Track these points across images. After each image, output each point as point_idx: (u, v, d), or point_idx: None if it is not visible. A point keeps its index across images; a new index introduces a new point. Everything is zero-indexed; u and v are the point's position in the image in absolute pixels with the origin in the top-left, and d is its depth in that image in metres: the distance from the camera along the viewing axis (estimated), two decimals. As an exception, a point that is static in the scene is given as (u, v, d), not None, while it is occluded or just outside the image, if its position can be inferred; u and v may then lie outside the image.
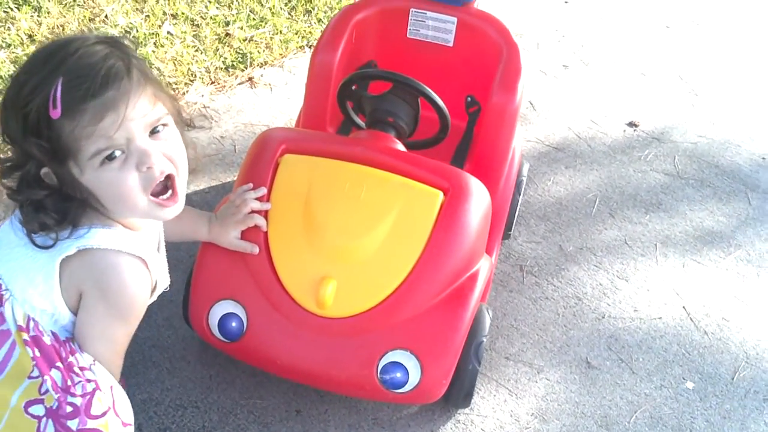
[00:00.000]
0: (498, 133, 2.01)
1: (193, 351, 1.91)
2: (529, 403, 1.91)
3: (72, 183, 1.25)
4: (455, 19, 2.15)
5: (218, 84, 2.88)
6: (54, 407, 1.27)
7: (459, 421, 1.85)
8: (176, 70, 2.84)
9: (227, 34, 3.09)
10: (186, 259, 2.03)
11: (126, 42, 1.30)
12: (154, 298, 1.44)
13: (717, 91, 3.25)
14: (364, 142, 1.84)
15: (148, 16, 3.06)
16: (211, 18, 3.13)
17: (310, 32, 3.22)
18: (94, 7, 3.04)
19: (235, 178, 2.44)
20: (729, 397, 1.99)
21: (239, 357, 1.74)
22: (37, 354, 1.29)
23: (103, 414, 1.30)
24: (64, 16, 2.96)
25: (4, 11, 2.91)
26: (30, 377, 1.28)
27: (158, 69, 2.83)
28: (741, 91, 3.28)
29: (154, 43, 2.94)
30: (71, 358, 1.31)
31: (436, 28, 2.17)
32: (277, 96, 2.86)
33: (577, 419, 1.89)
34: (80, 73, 1.19)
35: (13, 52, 2.74)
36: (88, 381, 1.30)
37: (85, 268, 1.28)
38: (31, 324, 1.30)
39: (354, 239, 1.65)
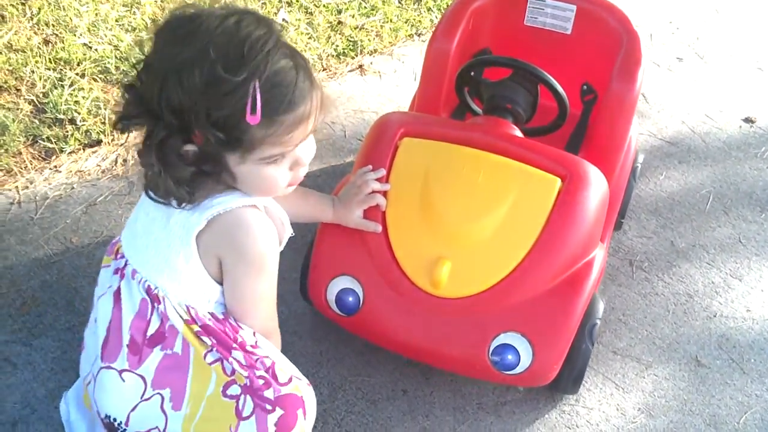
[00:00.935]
0: (616, 122, 2.00)
1: (305, 327, 1.98)
2: (635, 398, 1.90)
3: (217, 163, 1.27)
4: (575, 7, 2.15)
5: (329, 71, 2.94)
6: (247, 384, 1.34)
7: (564, 411, 1.85)
8: (290, 56, 2.92)
9: (339, 22, 3.15)
10: (298, 239, 2.09)
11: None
12: (283, 246, 1.46)
13: (841, 89, 3.11)
14: (483, 127, 1.86)
15: (264, 2, 3.15)
16: (324, 6, 3.20)
17: (420, 21, 3.24)
18: (213, -6, 3.15)
19: (346, 163, 2.52)
20: None
21: (354, 331, 1.79)
22: (214, 340, 1.35)
23: (290, 380, 1.37)
24: (187, 2, 3.07)
25: (131, -4, 3.05)
26: (212, 364, 1.35)
27: (273, 54, 2.91)
28: None
29: (270, 30, 3.02)
30: (239, 338, 1.38)
31: (554, 15, 2.16)
32: (386, 83, 2.90)
33: (685, 416, 1.87)
34: (277, 83, 1.20)
35: (138, 36, 2.87)
36: (265, 357, 1.38)
37: (216, 234, 1.31)
38: (193, 312, 1.36)
39: (470, 222, 1.68)
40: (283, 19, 3.09)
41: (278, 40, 1.22)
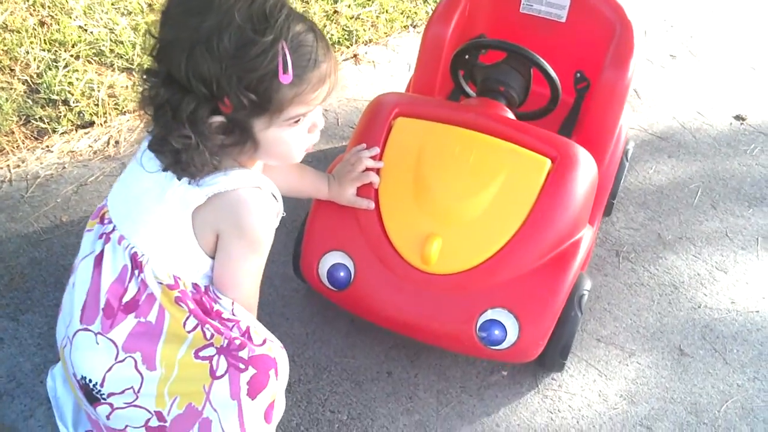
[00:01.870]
0: (607, 109, 2.02)
1: (293, 309, 1.99)
2: (618, 385, 1.91)
3: (244, 131, 1.29)
4: None
5: (324, 59, 2.95)
6: (225, 345, 1.35)
7: (546, 396, 1.87)
8: (285, 44, 2.93)
9: (335, 12, 3.16)
10: (288, 223, 2.11)
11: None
12: (277, 223, 1.48)
13: (832, 89, 3.13)
14: (476, 108, 1.89)
15: (260, -10, 3.16)
16: (320, -5, 3.21)
17: (415, 12, 3.26)
18: (210, -19, 3.15)
19: (338, 149, 2.53)
20: (827, 396, 1.95)
21: (345, 306, 1.82)
22: (192, 306, 1.37)
23: (264, 342, 1.40)
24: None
25: (127, -19, 3.06)
26: (192, 331, 1.37)
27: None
28: None
29: (265, 17, 3.03)
30: (216, 307, 1.40)
31: (549, 3, 2.19)
32: (381, 73, 2.91)
33: (666, 404, 1.88)
34: (302, 43, 1.24)
35: (133, 20, 2.88)
36: (240, 321, 1.40)
37: (217, 211, 1.33)
38: (177, 280, 1.37)
39: (461, 200, 1.71)
40: (279, 7, 3.10)
41: (289, 5, 1.26)
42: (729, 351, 2.03)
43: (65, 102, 2.51)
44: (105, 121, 2.48)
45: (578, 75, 2.11)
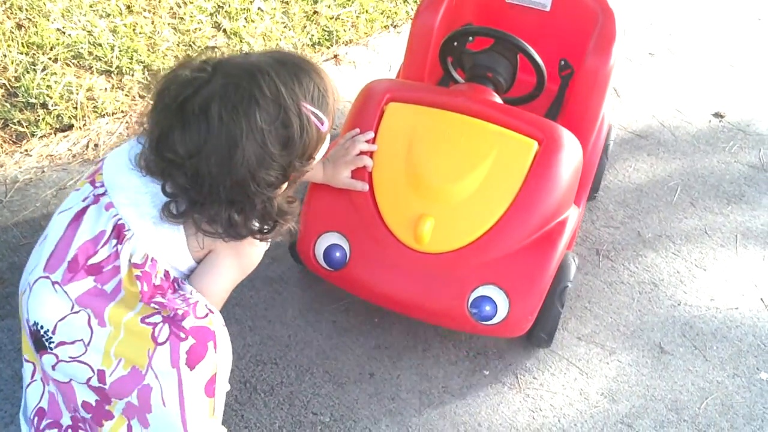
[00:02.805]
0: (591, 94, 2.07)
1: (274, 312, 1.99)
2: (599, 383, 1.93)
3: (293, 183, 1.42)
4: None
5: (305, 60, 2.94)
6: (171, 316, 1.37)
7: (528, 395, 1.88)
8: (265, 45, 2.92)
9: (315, 12, 3.15)
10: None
11: None
12: (267, 246, 1.55)
13: (809, 86, 3.16)
14: (465, 93, 1.95)
15: (240, -9, 3.15)
16: (300, -5, 3.21)
17: (395, 12, 3.26)
18: (189, -18, 3.15)
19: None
20: (805, 391, 1.97)
21: (340, 285, 1.86)
22: (145, 289, 1.38)
23: (206, 315, 1.41)
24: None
25: (106, -17, 3.04)
26: (139, 303, 1.39)
27: (248, 44, 2.92)
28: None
29: (245, 18, 3.03)
30: (174, 295, 1.42)
31: None
32: (361, 73, 2.92)
33: (647, 402, 1.90)
34: (309, 90, 1.34)
35: (112, 22, 2.86)
36: (190, 295, 1.43)
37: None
38: (149, 263, 1.38)
39: (452, 181, 1.76)
40: (259, 8, 3.09)
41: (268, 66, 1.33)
42: (709, 348, 2.04)
43: (44, 105, 2.49)
44: (84, 125, 2.47)
45: (562, 63, 2.17)
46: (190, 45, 2.85)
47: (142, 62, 2.72)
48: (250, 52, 1.43)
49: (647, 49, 3.26)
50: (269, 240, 1.47)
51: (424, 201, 1.75)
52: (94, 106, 2.52)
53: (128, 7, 2.96)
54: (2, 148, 2.36)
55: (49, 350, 1.39)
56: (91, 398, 1.41)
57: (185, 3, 3.04)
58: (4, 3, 2.85)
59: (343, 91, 2.80)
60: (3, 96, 2.51)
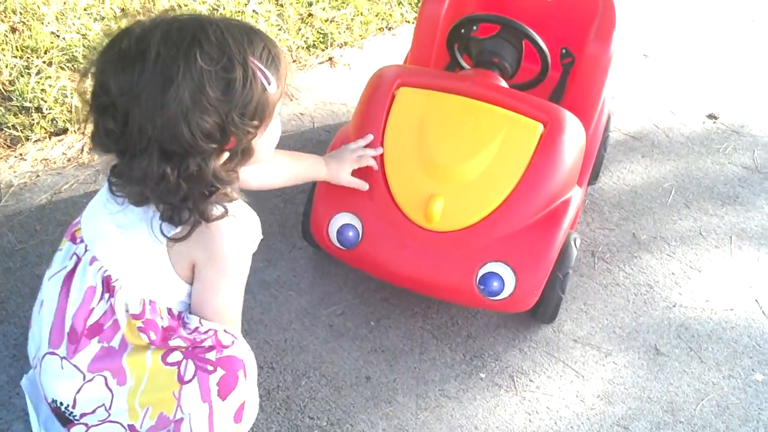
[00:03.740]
0: (592, 79, 2.12)
1: (270, 316, 1.99)
2: (595, 385, 1.93)
3: (246, 153, 1.30)
4: None
5: (299, 63, 2.95)
6: (190, 349, 1.35)
7: (524, 398, 1.88)
8: (260, 48, 2.92)
9: (309, 14, 3.15)
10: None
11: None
12: (255, 248, 1.47)
13: (802, 87, 3.17)
14: (472, 78, 2.03)
15: (234, -6, 3.15)
16: (294, -2, 3.20)
17: (390, 15, 3.26)
18: (183, -15, 3.14)
19: (313, 152, 2.52)
20: (800, 392, 1.97)
21: (354, 264, 1.94)
22: (153, 337, 1.36)
23: (232, 343, 1.40)
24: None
25: (100, -14, 3.03)
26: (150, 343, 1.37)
27: (243, 46, 2.91)
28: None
29: (240, 21, 3.02)
30: (182, 329, 1.39)
31: None
32: (356, 76, 2.92)
33: (643, 403, 1.90)
34: (260, 48, 1.25)
35: (107, 25, 2.86)
36: (209, 330, 1.38)
37: (191, 242, 1.31)
38: (147, 308, 1.35)
39: (461, 162, 1.83)
40: (254, 10, 3.09)
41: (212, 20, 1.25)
42: (704, 349, 2.05)
43: (38, 109, 2.49)
44: (78, 129, 2.46)
45: (564, 51, 2.20)
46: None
47: (136, 66, 2.71)
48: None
49: (641, 50, 3.27)
50: (239, 228, 1.37)
51: (434, 181, 1.81)
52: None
53: (122, 10, 2.95)
54: (-3, 152, 2.36)
55: (75, 422, 1.39)
56: None
57: (180, 6, 3.04)
58: (-2, 6, 2.84)
59: (338, 93, 2.80)
60: (-3, 100, 2.51)
